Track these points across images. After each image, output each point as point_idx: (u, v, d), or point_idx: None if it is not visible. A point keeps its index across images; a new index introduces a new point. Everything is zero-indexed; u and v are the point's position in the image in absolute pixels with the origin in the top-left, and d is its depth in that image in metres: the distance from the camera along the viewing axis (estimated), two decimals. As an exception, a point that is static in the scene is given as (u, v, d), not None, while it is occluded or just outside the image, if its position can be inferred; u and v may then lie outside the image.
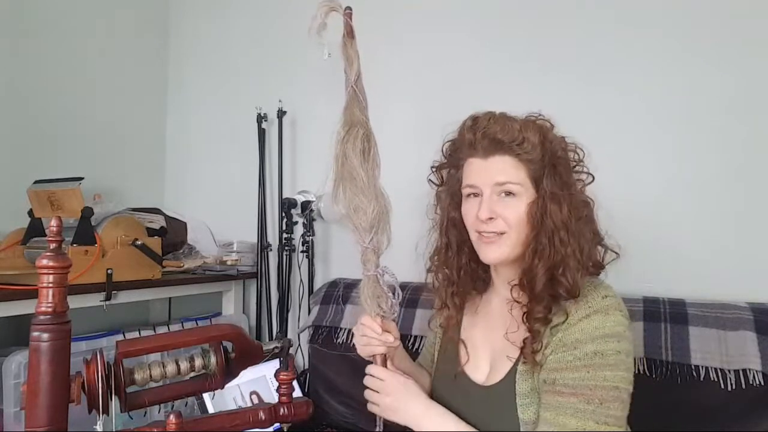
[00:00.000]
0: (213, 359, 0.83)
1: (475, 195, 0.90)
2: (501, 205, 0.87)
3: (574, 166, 0.93)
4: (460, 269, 0.98)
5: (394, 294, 0.95)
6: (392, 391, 0.93)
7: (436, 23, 1.75)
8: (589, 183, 0.95)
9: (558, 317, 0.85)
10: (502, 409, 0.87)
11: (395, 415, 0.93)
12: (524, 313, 0.87)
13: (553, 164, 0.88)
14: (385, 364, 0.97)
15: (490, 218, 0.87)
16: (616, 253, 0.93)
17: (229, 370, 0.84)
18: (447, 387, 0.98)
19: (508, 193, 0.87)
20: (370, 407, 0.97)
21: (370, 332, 0.95)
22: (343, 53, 0.91)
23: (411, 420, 0.91)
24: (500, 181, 0.87)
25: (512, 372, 0.88)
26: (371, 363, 0.98)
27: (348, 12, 0.89)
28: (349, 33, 0.90)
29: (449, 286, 0.99)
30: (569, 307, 0.85)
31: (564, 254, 0.84)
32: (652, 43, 1.45)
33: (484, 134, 0.88)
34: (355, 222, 0.92)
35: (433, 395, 0.99)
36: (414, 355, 1.18)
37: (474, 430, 0.88)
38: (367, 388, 0.97)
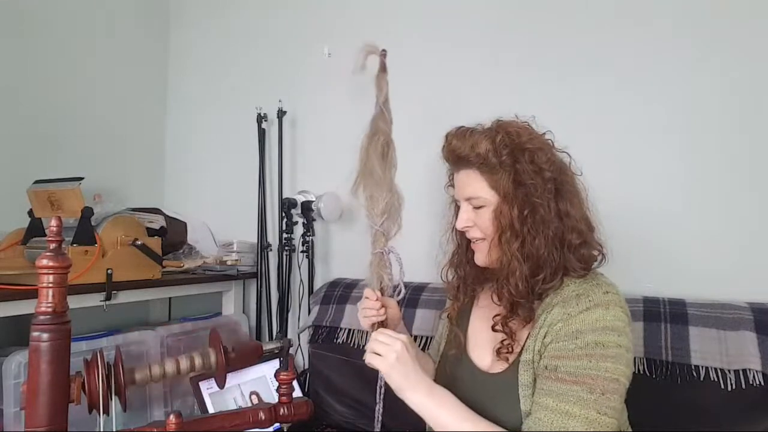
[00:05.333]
0: (213, 358, 0.84)
1: (458, 206, 1.00)
2: (474, 214, 0.96)
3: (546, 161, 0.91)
4: (467, 266, 1.05)
5: (399, 270, 1.05)
6: (398, 362, 0.91)
7: (443, 26, 1.75)
8: (573, 168, 0.97)
9: (550, 314, 0.87)
10: (505, 398, 0.89)
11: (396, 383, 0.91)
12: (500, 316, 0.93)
13: (511, 163, 0.90)
14: None
15: (467, 227, 0.97)
16: (599, 251, 0.94)
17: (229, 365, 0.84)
18: (453, 369, 1.03)
19: (477, 206, 0.95)
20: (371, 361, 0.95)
21: (366, 302, 1.02)
22: (376, 83, 1.06)
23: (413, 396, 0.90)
24: (467, 196, 0.96)
25: (515, 362, 0.90)
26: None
27: (383, 53, 1.07)
28: (382, 68, 1.07)
29: (457, 280, 1.07)
30: (568, 298, 0.87)
31: (509, 256, 0.89)
32: (654, 43, 1.44)
33: (449, 151, 0.97)
34: (369, 208, 1.03)
35: (438, 378, 1.03)
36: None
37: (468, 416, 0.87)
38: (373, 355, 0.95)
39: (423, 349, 1.45)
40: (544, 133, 0.97)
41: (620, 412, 0.83)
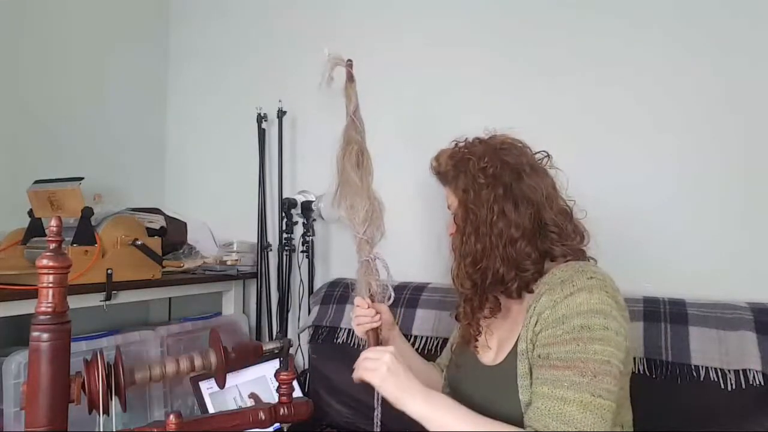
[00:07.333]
0: (213, 358, 0.84)
1: None
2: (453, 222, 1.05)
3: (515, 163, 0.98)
4: None
5: (387, 276, 1.09)
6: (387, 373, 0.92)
7: (443, 27, 1.75)
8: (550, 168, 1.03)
9: (539, 303, 0.89)
10: (505, 390, 0.90)
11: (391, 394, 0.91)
12: None
13: (457, 174, 1.00)
14: (377, 341, 1.06)
15: (452, 233, 1.05)
16: (560, 246, 0.97)
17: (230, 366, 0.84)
18: (460, 366, 1.07)
19: (453, 214, 1.04)
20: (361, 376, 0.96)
21: (358, 310, 1.07)
22: (345, 93, 1.12)
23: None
24: (447, 205, 1.07)
25: (513, 353, 0.92)
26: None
27: (349, 63, 1.12)
28: (349, 78, 1.12)
29: None
30: (554, 285, 0.89)
31: (454, 252, 1.00)
32: (652, 43, 1.45)
33: (432, 170, 1.09)
34: (351, 217, 1.08)
35: (448, 370, 1.12)
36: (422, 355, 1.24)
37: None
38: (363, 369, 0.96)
39: (423, 349, 1.46)
40: (519, 143, 1.02)
41: (617, 395, 0.83)
